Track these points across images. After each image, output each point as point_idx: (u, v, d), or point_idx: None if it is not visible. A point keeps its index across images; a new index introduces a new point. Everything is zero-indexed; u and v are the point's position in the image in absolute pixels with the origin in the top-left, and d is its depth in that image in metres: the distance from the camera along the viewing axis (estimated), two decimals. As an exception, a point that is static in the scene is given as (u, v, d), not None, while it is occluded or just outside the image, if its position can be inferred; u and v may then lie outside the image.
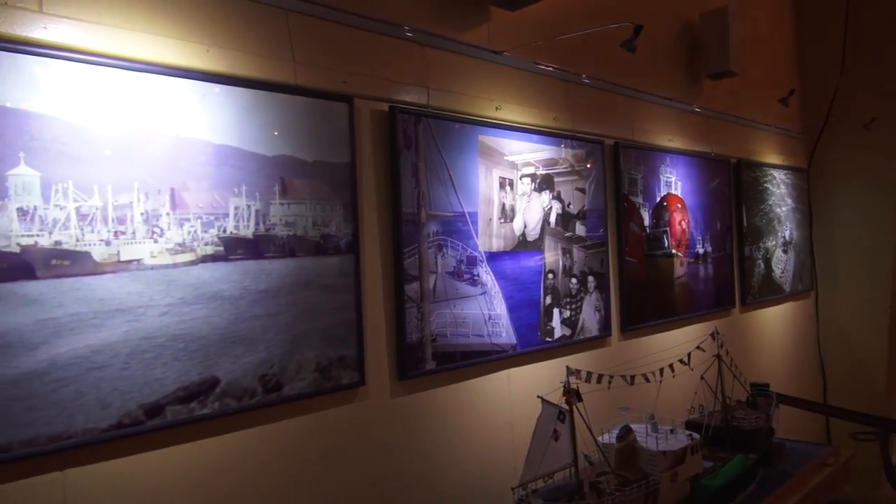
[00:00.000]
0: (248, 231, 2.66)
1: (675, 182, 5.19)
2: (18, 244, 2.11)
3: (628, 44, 3.92)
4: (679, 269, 5.19)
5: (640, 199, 4.81)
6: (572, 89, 4.31)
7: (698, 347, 3.77)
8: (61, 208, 2.19)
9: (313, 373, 2.84)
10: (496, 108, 3.75)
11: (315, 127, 2.89)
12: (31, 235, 2.13)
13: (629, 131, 4.79)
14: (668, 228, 5.07)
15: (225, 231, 2.60)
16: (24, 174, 2.12)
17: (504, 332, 3.70)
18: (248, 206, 2.66)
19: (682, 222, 5.26)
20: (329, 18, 3.00)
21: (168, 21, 2.51)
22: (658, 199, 4.99)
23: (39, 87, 2.17)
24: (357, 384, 3.01)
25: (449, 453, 3.45)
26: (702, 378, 3.79)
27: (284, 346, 2.74)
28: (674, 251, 5.13)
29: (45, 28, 2.20)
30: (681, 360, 3.61)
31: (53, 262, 2.18)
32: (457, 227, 3.46)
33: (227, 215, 2.60)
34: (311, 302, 2.84)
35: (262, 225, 2.70)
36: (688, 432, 3.43)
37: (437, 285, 3.35)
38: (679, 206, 5.23)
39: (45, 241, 2.16)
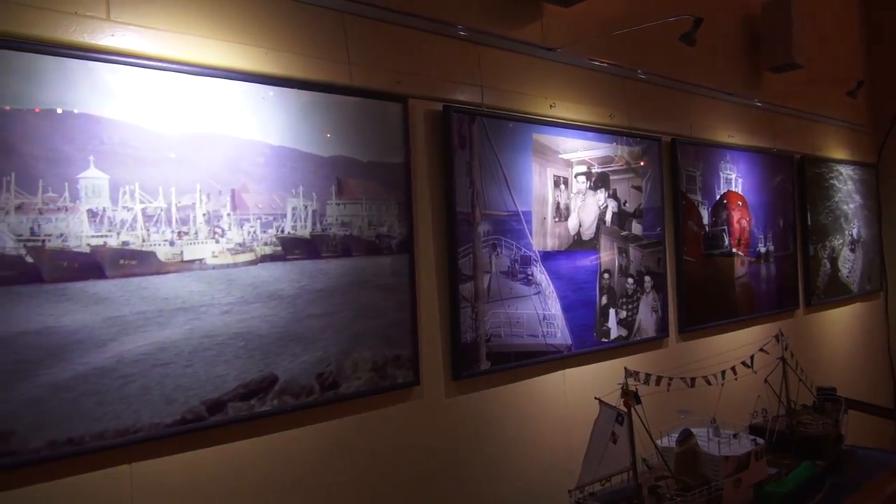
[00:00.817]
0: (305, 231, 2.70)
1: (735, 179, 5.04)
2: (89, 245, 2.18)
3: (688, 37, 3.82)
4: (740, 269, 5.03)
5: (698, 197, 4.69)
6: (628, 85, 4.22)
7: (762, 349, 3.64)
8: (128, 210, 2.26)
9: (369, 372, 2.85)
10: (550, 105, 3.70)
11: (370, 127, 2.91)
12: (101, 236, 2.21)
13: (687, 127, 4.67)
14: (727, 227, 4.92)
15: (283, 231, 2.64)
16: (94, 177, 2.19)
17: (559, 333, 3.65)
18: (306, 207, 2.70)
19: (743, 220, 5.09)
20: (384, 19, 3.02)
21: (228, 26, 2.56)
22: (717, 197, 4.85)
23: (107, 93, 2.24)
24: (412, 384, 3.02)
25: (503, 454, 3.42)
26: (765, 381, 3.66)
27: (341, 344, 2.76)
28: (734, 250, 4.98)
29: (112, 35, 2.28)
30: (744, 363, 3.49)
31: (121, 261, 2.25)
32: (511, 227, 3.43)
33: (284, 216, 2.64)
34: (367, 301, 2.86)
35: (318, 225, 2.73)
36: (751, 437, 3.32)
37: (491, 285, 3.33)
38: (739, 203, 5.07)
39: (113, 242, 2.23)
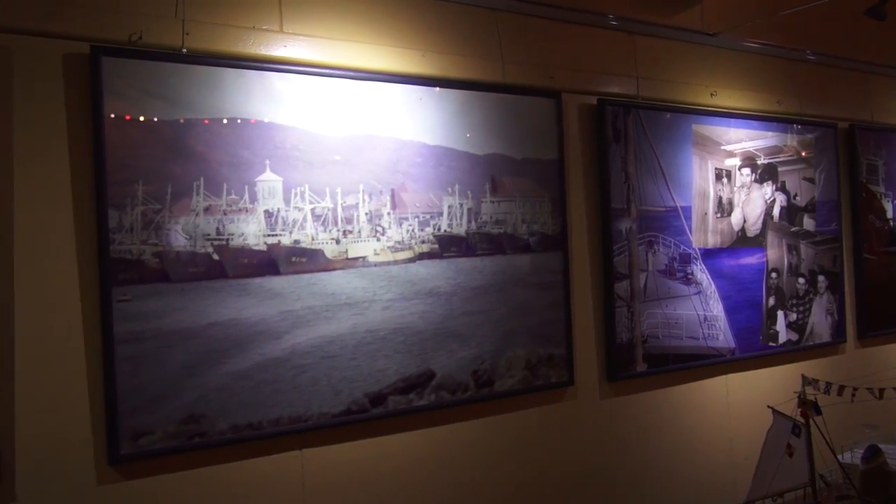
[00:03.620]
0: (460, 229, 2.73)
1: (925, 167, 4.49)
2: (265, 243, 2.33)
3: (876, 10, 3.42)
4: (931, 268, 4.48)
5: (880, 188, 4.23)
6: (798, 69, 3.89)
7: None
8: (299, 210, 2.40)
9: (523, 370, 2.84)
10: (711, 94, 3.49)
11: (523, 124, 2.88)
12: (275, 235, 2.35)
13: (867, 112, 4.23)
14: (916, 221, 4.40)
15: (439, 229, 2.68)
16: (269, 180, 2.34)
17: (721, 335, 3.44)
18: (461, 205, 2.72)
19: (935, 214, 4.53)
20: (535, 14, 2.98)
21: (387, 31, 2.64)
22: (904, 188, 4.35)
23: (280, 100, 2.38)
24: (566, 383, 2.96)
25: (660, 459, 3.28)
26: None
27: (496, 342, 2.77)
28: (924, 247, 4.44)
29: (284, 46, 2.42)
30: (941, 374, 3.11)
31: (293, 259, 2.38)
32: (669, 223, 3.28)
33: (441, 214, 2.68)
34: (521, 299, 2.84)
35: (473, 223, 2.75)
36: (952, 458, 2.95)
37: (647, 284, 3.19)
38: (931, 194, 4.51)
39: (286, 240, 2.37)
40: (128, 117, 2.12)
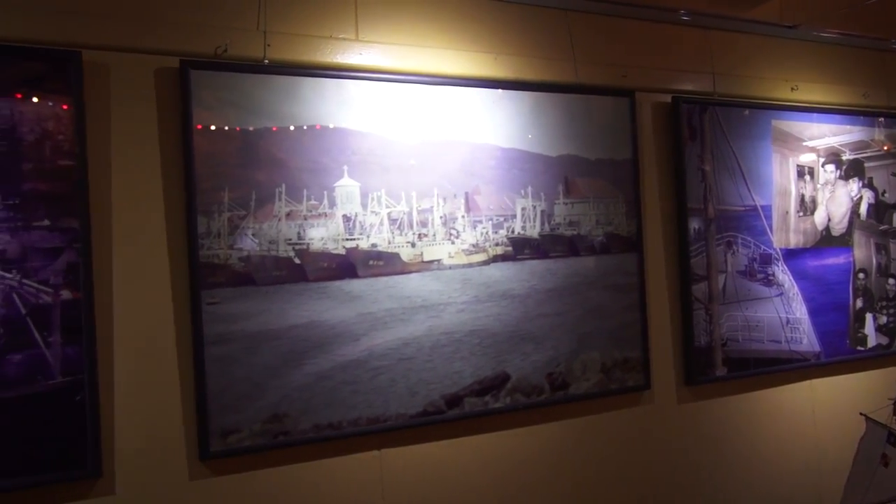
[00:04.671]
0: (534, 231, 2.72)
1: None
2: (344, 247, 2.39)
3: (968, -4, 3.25)
4: None
5: (978, 183, 3.98)
6: (886, 59, 3.71)
7: None
8: (376, 214, 2.44)
9: (598, 373, 2.80)
10: (791, 88, 3.37)
11: (596, 124, 2.85)
12: (353, 239, 2.40)
13: (963, 102, 3.99)
14: None
15: (513, 232, 2.68)
16: (347, 185, 2.40)
17: (805, 339, 3.31)
18: (534, 207, 2.72)
19: None
20: (607, 13, 2.95)
21: (460, 35, 2.66)
22: None
23: (356, 107, 2.43)
24: (642, 387, 2.91)
25: (740, 467, 3.17)
26: None
27: (571, 345, 2.75)
28: None
29: (360, 54, 2.47)
30: None
31: (370, 262, 2.43)
32: (748, 223, 3.18)
33: (514, 216, 2.68)
34: (596, 301, 2.81)
35: (547, 225, 2.74)
36: None
37: (726, 285, 3.11)
38: None
39: (363, 244, 2.42)
40: (214, 127, 2.20)
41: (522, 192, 2.70)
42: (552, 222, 2.75)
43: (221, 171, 2.20)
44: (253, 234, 2.24)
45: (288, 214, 2.30)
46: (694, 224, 3.03)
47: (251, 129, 2.25)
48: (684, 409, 3.05)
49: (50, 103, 2.00)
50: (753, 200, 3.19)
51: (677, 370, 3.03)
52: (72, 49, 2.03)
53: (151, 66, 2.18)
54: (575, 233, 2.80)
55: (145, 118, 2.17)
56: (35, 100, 1.99)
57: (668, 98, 3.05)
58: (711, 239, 3.07)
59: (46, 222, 2.00)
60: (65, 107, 2.02)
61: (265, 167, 2.27)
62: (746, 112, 3.20)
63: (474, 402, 2.56)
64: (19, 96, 1.97)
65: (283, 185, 2.29)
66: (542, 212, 2.73)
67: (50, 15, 2.05)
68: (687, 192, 3.01)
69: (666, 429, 3.00)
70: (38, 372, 1.96)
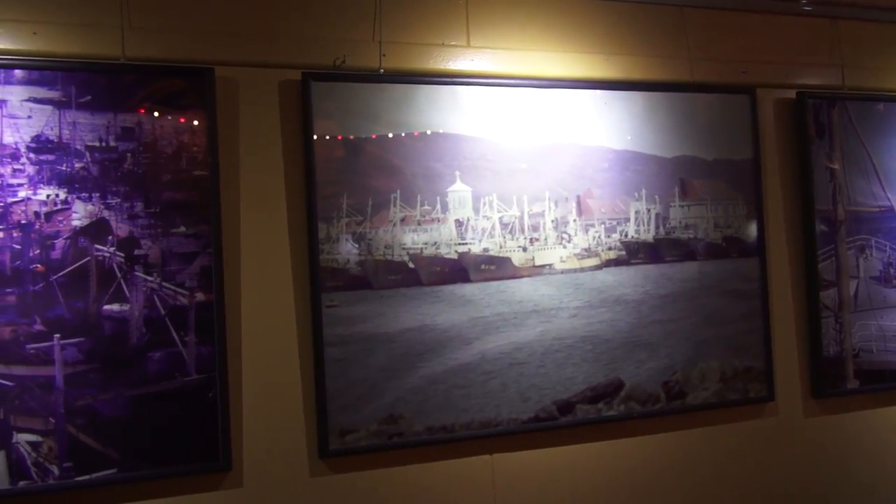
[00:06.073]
0: (648, 235, 2.64)
1: None
2: (456, 251, 2.41)
3: None
4: None
5: None
6: None
7: None
8: (487, 218, 2.45)
9: (717, 383, 2.68)
10: (932, 79, 3.11)
11: (714, 123, 2.74)
12: (465, 244, 2.42)
13: None
14: None
15: (626, 235, 2.62)
16: (459, 190, 2.42)
17: (950, 351, 3.03)
18: (648, 210, 2.64)
19: None
20: (724, 7, 2.83)
21: (570, 37, 2.63)
22: None
23: (467, 112, 2.45)
24: (765, 399, 2.76)
25: (876, 487, 2.95)
26: None
27: (687, 353, 2.65)
28: None
29: (471, 60, 2.49)
30: None
31: (482, 266, 2.44)
32: (883, 224, 2.96)
33: (627, 220, 2.62)
34: (714, 308, 2.70)
35: (661, 228, 2.66)
36: None
37: (859, 292, 2.90)
38: None
39: (475, 249, 2.43)
40: (333, 136, 2.28)
41: (636, 194, 2.63)
42: (667, 225, 2.67)
43: (340, 179, 2.28)
44: (369, 239, 2.30)
45: (402, 220, 2.35)
46: (821, 226, 2.85)
47: (368, 136, 2.32)
48: (812, 422, 2.87)
49: (186, 117, 2.14)
50: (889, 201, 2.97)
51: (803, 382, 2.86)
52: (205, 66, 2.16)
53: (275, 79, 2.28)
54: (691, 236, 2.70)
55: (270, 128, 2.28)
56: (173, 114, 2.13)
57: (791, 94, 2.89)
58: (841, 242, 2.88)
59: (182, 229, 2.13)
60: (198, 120, 2.15)
61: (381, 174, 2.32)
62: (881, 106, 2.99)
63: (587, 409, 2.52)
64: (159, 112, 2.12)
65: (398, 191, 2.34)
66: (657, 215, 2.66)
67: (186, 35, 2.19)
68: (813, 192, 2.84)
69: (791, 443, 2.83)
70: (175, 369, 2.10)
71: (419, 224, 2.37)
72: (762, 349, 2.75)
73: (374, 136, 2.32)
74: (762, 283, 2.76)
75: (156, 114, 2.12)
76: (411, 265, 2.36)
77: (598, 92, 2.61)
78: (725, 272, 2.73)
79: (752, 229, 2.77)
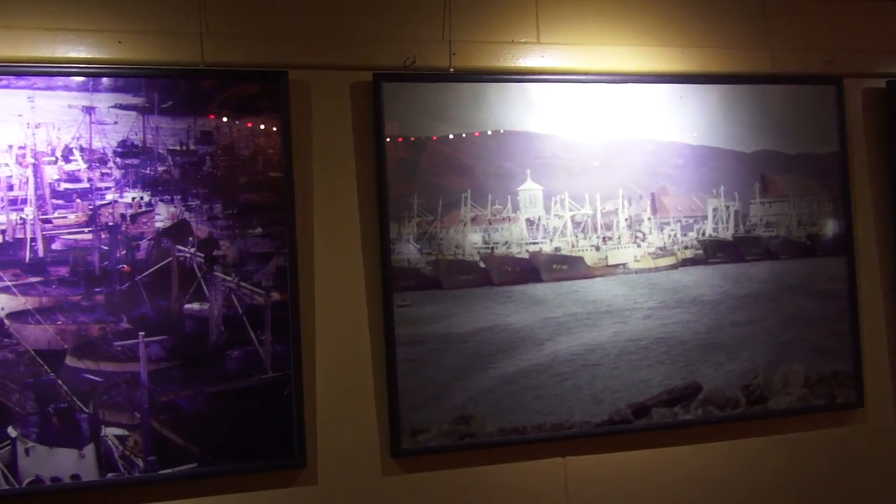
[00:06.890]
0: (727, 233, 2.55)
1: None
2: (527, 251, 2.38)
3: None
4: None
5: None
6: None
7: None
8: (559, 217, 2.41)
9: (801, 388, 2.57)
10: None
11: (797, 116, 2.62)
12: (537, 243, 2.39)
13: None
14: None
15: (703, 234, 2.53)
16: (530, 189, 2.39)
17: None
18: (727, 207, 2.55)
19: None
20: (807, -6, 2.71)
21: (642, 31, 2.56)
22: None
23: (538, 109, 2.42)
24: (853, 405, 2.63)
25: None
26: None
27: (769, 356, 2.54)
28: None
29: (542, 57, 2.46)
30: None
31: (554, 266, 2.40)
32: (984, 221, 2.76)
33: (705, 217, 2.53)
34: (798, 309, 2.58)
35: (741, 226, 2.56)
36: None
37: (957, 293, 2.72)
38: None
39: (547, 248, 2.40)
40: (404, 136, 2.29)
41: (714, 191, 2.54)
42: (747, 223, 2.57)
43: (411, 178, 2.28)
44: (440, 239, 2.30)
45: (473, 219, 2.33)
46: (916, 223, 2.69)
47: (438, 136, 2.31)
48: (905, 431, 2.71)
49: (261, 120, 2.18)
50: None
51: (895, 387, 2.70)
52: (279, 70, 2.20)
53: (347, 80, 2.30)
54: (773, 234, 2.59)
55: (342, 130, 2.30)
56: (249, 117, 2.18)
57: (881, 83, 2.73)
58: (938, 240, 2.71)
59: (259, 230, 2.18)
60: (273, 123, 2.19)
61: (452, 173, 2.31)
62: (981, 93, 2.79)
63: (662, 413, 2.45)
64: (236, 115, 2.17)
65: (469, 191, 2.33)
66: (736, 212, 2.56)
67: (260, 40, 2.24)
68: (906, 187, 2.68)
69: (883, 452, 2.69)
70: (252, 367, 2.14)
71: (490, 223, 2.35)
72: (850, 352, 2.61)
73: (444, 136, 2.32)
74: (850, 282, 2.63)
75: (232, 118, 2.17)
76: (482, 265, 2.34)
77: (673, 86, 2.53)
78: (810, 272, 2.61)
79: (839, 227, 2.63)
